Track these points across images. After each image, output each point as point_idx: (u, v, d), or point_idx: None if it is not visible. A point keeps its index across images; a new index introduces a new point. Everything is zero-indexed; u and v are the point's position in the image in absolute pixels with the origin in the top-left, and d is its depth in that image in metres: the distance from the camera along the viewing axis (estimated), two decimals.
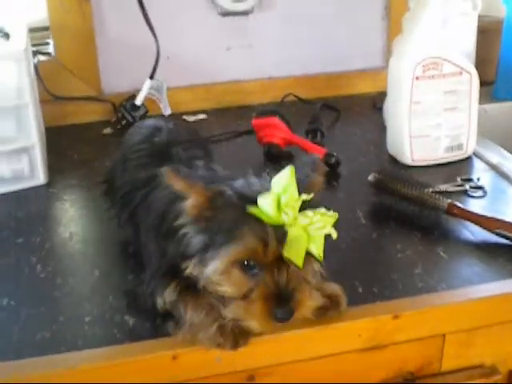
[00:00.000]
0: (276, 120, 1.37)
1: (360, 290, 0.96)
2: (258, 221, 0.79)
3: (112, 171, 1.13)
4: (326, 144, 1.40)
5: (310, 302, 0.83)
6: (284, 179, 0.80)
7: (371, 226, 1.13)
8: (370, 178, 1.20)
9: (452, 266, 1.03)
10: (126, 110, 1.53)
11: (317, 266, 0.85)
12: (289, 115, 1.44)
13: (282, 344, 0.89)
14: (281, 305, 0.80)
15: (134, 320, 0.91)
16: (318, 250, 0.81)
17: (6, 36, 1.32)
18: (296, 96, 1.65)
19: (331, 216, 0.82)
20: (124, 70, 1.61)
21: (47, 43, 1.63)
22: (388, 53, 1.72)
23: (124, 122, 1.54)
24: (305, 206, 0.81)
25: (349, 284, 0.96)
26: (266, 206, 0.79)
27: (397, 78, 1.32)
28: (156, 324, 0.88)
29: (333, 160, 1.31)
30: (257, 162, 1.35)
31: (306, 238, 0.80)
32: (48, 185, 1.32)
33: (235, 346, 0.83)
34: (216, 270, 0.81)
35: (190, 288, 0.86)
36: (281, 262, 0.80)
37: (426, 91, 1.29)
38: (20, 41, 1.30)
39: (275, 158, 1.36)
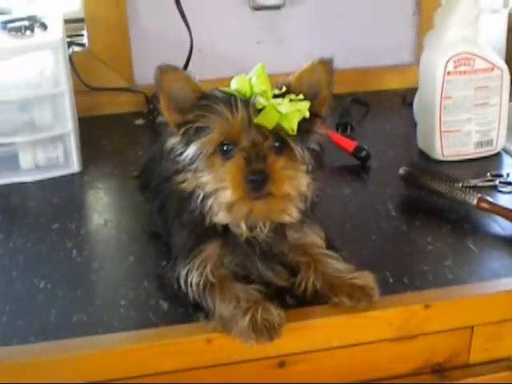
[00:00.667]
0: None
1: (391, 280, 0.98)
2: (229, 101, 0.83)
3: (147, 165, 1.15)
4: (355, 138, 1.41)
5: (286, 173, 0.84)
6: (254, 70, 0.86)
7: (401, 219, 1.14)
8: (401, 171, 1.21)
9: (482, 258, 1.04)
10: (158, 101, 1.54)
11: (298, 160, 0.86)
12: None
13: (312, 331, 0.91)
14: (251, 167, 0.82)
15: (169, 304, 0.93)
16: (290, 124, 0.83)
17: (44, 26, 1.34)
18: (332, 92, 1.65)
19: (302, 101, 0.84)
20: (156, 62, 1.61)
21: (81, 35, 1.65)
22: (418, 48, 1.73)
23: (156, 114, 1.55)
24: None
25: (380, 274, 0.97)
26: (236, 83, 0.85)
27: (428, 73, 1.33)
28: (188, 312, 0.90)
29: (363, 153, 1.32)
30: None
31: (278, 114, 0.82)
32: (82, 173, 1.34)
33: (270, 339, 0.84)
34: (195, 154, 0.85)
35: (214, 275, 0.89)
36: (255, 136, 0.83)
37: (457, 86, 1.30)
38: (57, 31, 1.33)
39: None
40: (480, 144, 1.34)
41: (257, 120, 0.82)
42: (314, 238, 0.95)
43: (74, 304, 0.95)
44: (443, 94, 1.30)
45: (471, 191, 1.14)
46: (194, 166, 0.87)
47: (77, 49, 1.61)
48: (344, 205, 1.18)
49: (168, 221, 1.01)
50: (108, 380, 0.87)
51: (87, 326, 0.90)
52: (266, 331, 0.83)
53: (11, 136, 1.29)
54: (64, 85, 1.28)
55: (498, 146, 1.36)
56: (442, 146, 1.33)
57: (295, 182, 0.86)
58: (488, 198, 1.12)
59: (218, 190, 0.85)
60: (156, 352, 0.87)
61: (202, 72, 1.60)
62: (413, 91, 1.54)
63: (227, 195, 0.84)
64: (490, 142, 1.35)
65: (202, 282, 0.88)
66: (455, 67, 1.29)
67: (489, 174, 1.26)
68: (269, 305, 0.86)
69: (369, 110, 1.60)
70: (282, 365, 0.92)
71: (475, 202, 1.12)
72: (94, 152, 1.42)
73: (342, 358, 0.95)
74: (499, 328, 0.98)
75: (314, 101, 0.87)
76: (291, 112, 0.83)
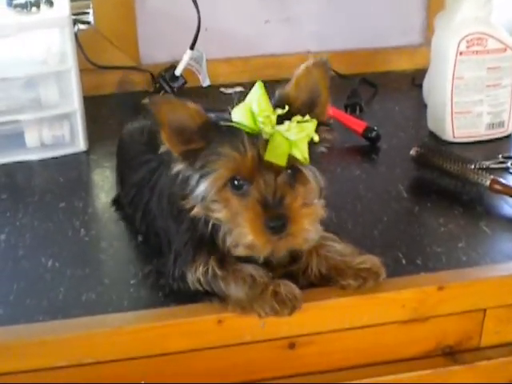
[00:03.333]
0: None
1: (404, 261, 0.97)
2: (236, 137, 0.80)
3: (118, 184, 1.13)
4: (364, 119, 1.40)
5: (304, 210, 0.82)
6: (253, 93, 0.82)
7: (413, 200, 1.13)
8: (412, 152, 1.20)
9: (495, 240, 1.03)
10: (164, 80, 1.53)
11: (313, 185, 0.85)
12: None
13: (325, 312, 0.90)
14: (269, 212, 0.80)
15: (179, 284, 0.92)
16: (301, 153, 0.81)
17: (50, 3, 1.32)
18: (334, 71, 1.63)
19: (309, 122, 0.82)
20: (162, 40, 1.61)
21: (87, 12, 1.63)
22: (427, 29, 1.71)
23: (162, 93, 1.54)
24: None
25: (392, 255, 0.97)
26: (239, 116, 0.81)
27: (440, 54, 1.31)
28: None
29: (373, 134, 1.31)
30: None
31: (287, 142, 0.80)
32: (88, 152, 1.33)
33: (293, 310, 0.83)
34: (206, 191, 0.83)
35: (222, 263, 0.87)
36: (268, 174, 0.81)
37: (470, 67, 1.28)
38: (63, 8, 1.31)
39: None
40: (491, 125, 1.33)
41: (268, 157, 0.79)
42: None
43: (83, 283, 0.94)
44: (455, 75, 1.28)
45: (483, 173, 1.13)
46: (204, 199, 0.84)
47: (82, 27, 1.59)
48: (354, 186, 1.17)
49: (157, 220, 0.98)
50: (118, 359, 0.86)
51: (96, 305, 0.89)
52: (290, 302, 0.83)
53: (17, 114, 1.27)
54: (70, 62, 1.27)
55: (509, 128, 1.35)
56: (452, 128, 1.31)
57: (314, 216, 0.84)
58: (501, 179, 1.11)
59: (236, 230, 0.83)
60: (166, 332, 0.86)
61: (208, 51, 1.59)
62: (421, 72, 1.52)
63: (248, 239, 0.82)
64: (501, 124, 1.34)
65: (210, 270, 0.87)
66: (468, 47, 1.27)
67: (500, 155, 1.25)
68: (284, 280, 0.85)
69: (377, 90, 1.59)
70: (292, 346, 0.91)
71: (488, 183, 1.11)
72: (99, 131, 1.41)
73: (352, 340, 0.94)
74: (511, 311, 0.97)
75: (314, 107, 0.84)
76: (300, 139, 0.80)
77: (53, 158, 1.29)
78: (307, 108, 0.83)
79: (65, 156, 1.30)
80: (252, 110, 0.81)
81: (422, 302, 0.91)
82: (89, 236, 1.05)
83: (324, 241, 0.91)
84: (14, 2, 1.32)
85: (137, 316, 0.87)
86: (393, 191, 1.15)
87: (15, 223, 1.08)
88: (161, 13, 1.60)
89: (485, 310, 0.96)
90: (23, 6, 1.30)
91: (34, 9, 1.30)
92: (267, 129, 0.80)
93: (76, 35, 1.48)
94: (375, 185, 1.18)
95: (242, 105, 0.82)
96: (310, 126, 0.81)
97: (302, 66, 0.84)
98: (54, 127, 1.30)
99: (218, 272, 0.86)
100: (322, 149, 0.88)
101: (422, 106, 1.44)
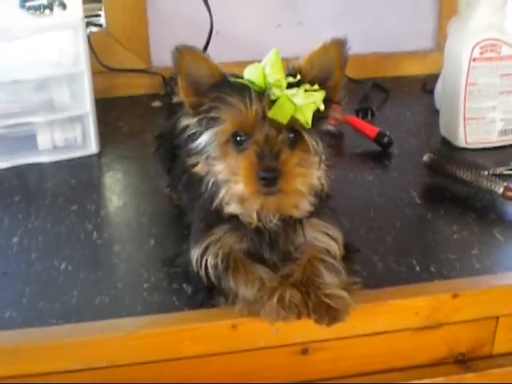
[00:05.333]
0: None
1: (417, 268, 0.96)
2: (244, 91, 0.82)
3: (167, 135, 1.13)
4: (376, 124, 1.40)
5: (298, 170, 0.83)
6: (268, 57, 0.83)
7: (426, 206, 1.13)
8: (425, 158, 1.20)
9: (508, 248, 1.03)
10: (175, 83, 1.52)
11: (312, 154, 0.85)
12: None
13: None
14: (263, 163, 0.81)
15: (192, 288, 0.91)
16: (304, 117, 0.81)
17: (63, 6, 1.32)
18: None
19: (317, 91, 0.82)
20: (174, 43, 1.60)
21: (98, 15, 1.63)
22: (439, 34, 1.71)
23: (173, 97, 1.53)
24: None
25: (406, 262, 0.97)
26: (251, 74, 0.83)
27: (453, 59, 1.31)
28: (202, 299, 0.89)
29: (385, 139, 1.30)
30: None
31: (292, 105, 0.81)
32: (99, 154, 1.33)
33: (299, 316, 0.83)
34: (209, 142, 0.84)
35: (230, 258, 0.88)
36: (269, 130, 0.81)
37: (483, 73, 1.28)
38: (76, 10, 1.31)
39: None
40: (504, 132, 1.33)
41: (271, 115, 0.81)
42: (328, 242, 0.91)
43: (96, 286, 0.94)
44: (468, 81, 1.28)
45: (497, 180, 1.12)
46: (207, 153, 0.86)
47: (94, 29, 1.59)
48: (367, 191, 1.17)
49: (190, 200, 1.00)
50: (131, 363, 0.86)
51: (110, 309, 0.89)
52: (295, 308, 0.83)
53: (29, 116, 1.27)
54: (83, 65, 1.27)
55: None
56: (465, 134, 1.31)
57: (307, 178, 0.85)
58: None
59: (230, 182, 0.84)
60: (180, 336, 0.86)
61: (219, 55, 1.57)
62: (433, 78, 1.52)
63: (239, 189, 0.83)
64: None
65: (220, 264, 0.87)
66: (481, 53, 1.27)
67: None
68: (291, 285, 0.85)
69: (388, 95, 1.58)
70: (304, 352, 0.91)
71: (501, 190, 1.11)
72: (111, 134, 1.41)
73: (365, 347, 0.93)
74: None
75: (326, 84, 0.85)
76: (306, 104, 0.81)
77: (64, 161, 1.29)
78: (319, 83, 0.83)
79: (76, 158, 1.30)
80: (264, 71, 0.82)
81: (436, 309, 0.91)
82: (101, 239, 1.05)
83: (320, 265, 0.89)
84: (28, 4, 1.32)
85: (150, 320, 0.87)
86: (405, 197, 1.15)
87: (28, 226, 1.08)
88: (172, 16, 1.60)
89: (498, 318, 0.96)
90: (36, 8, 1.30)
91: (47, 11, 1.30)
92: (276, 91, 0.81)
93: (88, 38, 1.49)
94: (388, 190, 1.17)
95: (255, 64, 0.83)
96: (318, 95, 0.82)
97: (320, 43, 0.85)
98: (66, 129, 1.30)
99: (230, 262, 0.87)
100: (330, 127, 0.87)
101: (434, 112, 1.44)
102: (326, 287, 0.86)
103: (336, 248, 0.90)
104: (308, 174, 0.85)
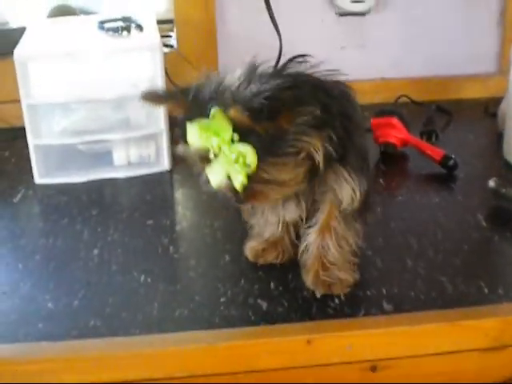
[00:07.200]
0: (394, 120, 1.39)
1: (486, 290, 0.98)
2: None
3: None
4: (440, 146, 1.42)
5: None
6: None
7: (492, 229, 1.14)
8: (491, 183, 1.21)
9: None
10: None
11: None
12: None
13: (410, 337, 0.92)
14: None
15: (267, 304, 0.95)
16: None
17: (140, 28, 1.38)
18: (408, 97, 1.66)
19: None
20: (242, 64, 1.65)
21: (169, 36, 1.69)
22: (501, 57, 1.72)
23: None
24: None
25: (475, 284, 0.99)
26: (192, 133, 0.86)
27: None
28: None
29: (451, 162, 1.32)
30: (372, 161, 1.38)
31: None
32: (171, 171, 1.37)
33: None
34: None
35: None
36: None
37: None
38: (153, 32, 1.37)
39: (390, 158, 1.39)
40: None
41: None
42: (347, 193, 0.94)
43: (175, 299, 0.98)
44: None
45: None
46: None
47: (165, 50, 1.64)
48: (434, 213, 1.19)
49: None
50: (208, 374, 0.90)
51: (189, 321, 0.93)
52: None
53: (106, 133, 1.33)
54: (159, 85, 1.32)
55: None
56: None
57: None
58: None
59: None
60: (257, 350, 0.89)
61: None
62: (495, 101, 1.54)
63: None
64: None
65: None
66: None
67: None
68: None
69: (451, 118, 1.60)
70: (373, 369, 0.94)
71: None
72: None
73: (433, 366, 0.95)
74: None
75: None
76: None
77: (138, 177, 1.34)
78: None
79: (150, 175, 1.35)
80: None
81: (504, 331, 0.93)
82: (178, 253, 1.09)
83: (334, 211, 0.96)
84: (106, 26, 1.38)
85: (229, 333, 0.91)
86: (471, 220, 1.17)
87: (107, 238, 1.13)
88: (241, 37, 1.65)
89: None
90: (115, 30, 1.36)
91: (124, 33, 1.36)
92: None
93: None
94: (454, 213, 1.19)
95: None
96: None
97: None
98: (141, 147, 1.35)
99: None
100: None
101: (496, 135, 1.46)
102: (328, 266, 0.97)
103: (354, 200, 0.94)
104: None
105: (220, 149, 0.84)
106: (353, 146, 0.94)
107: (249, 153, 0.84)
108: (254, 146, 0.83)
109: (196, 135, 0.85)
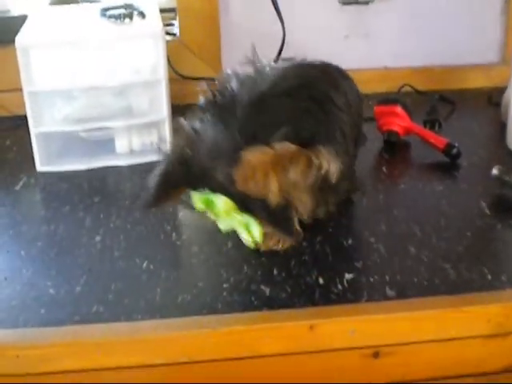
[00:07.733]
0: (398, 109, 1.39)
1: (489, 277, 0.98)
2: None
3: None
4: (443, 135, 1.41)
5: None
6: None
7: (495, 217, 1.14)
8: (495, 170, 1.21)
9: None
10: None
11: None
12: None
13: (412, 323, 0.92)
14: None
15: (270, 290, 0.95)
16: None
17: (142, 15, 1.38)
18: (412, 87, 1.66)
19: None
20: (245, 53, 1.64)
21: (171, 24, 1.68)
22: (505, 47, 1.72)
23: None
24: None
25: (478, 270, 0.98)
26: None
27: None
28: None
29: (454, 151, 1.32)
30: (376, 149, 1.38)
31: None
32: None
33: None
34: None
35: None
36: None
37: None
38: (156, 20, 1.36)
39: (394, 146, 1.39)
40: None
41: None
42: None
43: (178, 285, 0.98)
44: None
45: None
46: None
47: (168, 38, 1.64)
48: (437, 201, 1.18)
49: None
50: (211, 359, 0.90)
51: (192, 307, 0.93)
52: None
53: (108, 121, 1.32)
54: (161, 73, 1.32)
55: None
56: None
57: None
58: None
59: None
60: (260, 335, 0.89)
61: None
62: (498, 90, 1.53)
63: None
64: None
65: None
66: None
67: None
68: None
69: (454, 108, 1.60)
70: (376, 355, 0.94)
71: None
72: None
73: (435, 352, 0.95)
74: None
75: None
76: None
77: (140, 165, 1.34)
78: None
79: (151, 163, 1.34)
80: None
81: (507, 317, 0.93)
82: (180, 240, 1.09)
83: None
84: (108, 13, 1.38)
85: (231, 318, 0.90)
86: (475, 208, 1.16)
87: (109, 225, 1.13)
88: (244, 26, 1.64)
89: None
90: (117, 17, 1.36)
91: (127, 20, 1.36)
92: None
93: None
94: (457, 201, 1.19)
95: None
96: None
97: None
98: (143, 135, 1.35)
99: None
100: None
101: (500, 125, 1.45)
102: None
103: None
104: None
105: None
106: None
107: (252, 224, 0.98)
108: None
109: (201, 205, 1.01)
